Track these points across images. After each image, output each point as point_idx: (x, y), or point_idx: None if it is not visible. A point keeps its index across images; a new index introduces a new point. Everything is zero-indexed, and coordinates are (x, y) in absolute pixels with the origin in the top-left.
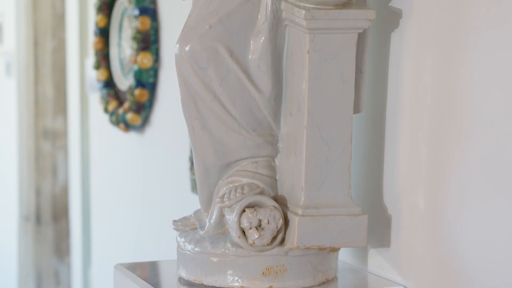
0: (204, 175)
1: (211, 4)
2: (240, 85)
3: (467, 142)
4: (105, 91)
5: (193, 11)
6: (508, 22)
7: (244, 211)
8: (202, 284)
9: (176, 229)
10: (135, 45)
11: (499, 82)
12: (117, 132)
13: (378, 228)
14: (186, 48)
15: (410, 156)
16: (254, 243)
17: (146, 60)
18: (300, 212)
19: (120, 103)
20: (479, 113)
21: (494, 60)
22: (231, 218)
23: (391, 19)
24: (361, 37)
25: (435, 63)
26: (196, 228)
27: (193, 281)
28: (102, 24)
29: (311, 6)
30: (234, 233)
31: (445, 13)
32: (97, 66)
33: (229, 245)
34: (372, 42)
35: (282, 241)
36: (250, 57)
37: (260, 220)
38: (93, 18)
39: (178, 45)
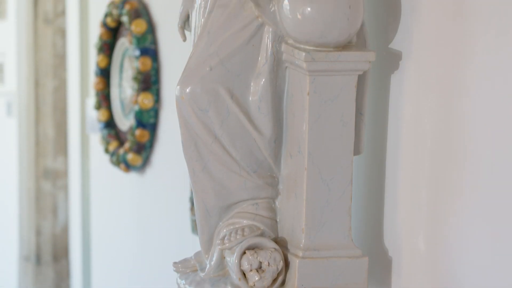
0: (205, 216)
1: (212, 45)
2: (241, 126)
3: (467, 185)
4: (105, 131)
5: (194, 52)
6: (507, 66)
7: (244, 253)
8: None
9: (176, 271)
10: (136, 86)
11: (499, 125)
12: (117, 173)
13: (379, 270)
14: (187, 90)
15: (411, 198)
16: (254, 285)
17: (146, 100)
18: (300, 254)
19: (121, 143)
20: (479, 156)
21: (494, 104)
22: (231, 260)
23: (391, 60)
24: (361, 79)
25: (435, 106)
26: (196, 270)
27: None
28: (103, 64)
29: (311, 48)
30: (235, 275)
31: (445, 55)
32: (98, 107)
33: (229, 287)
34: (372, 83)
35: (283, 283)
36: (250, 98)
37: (260, 262)
38: (94, 58)
39: (178, 87)
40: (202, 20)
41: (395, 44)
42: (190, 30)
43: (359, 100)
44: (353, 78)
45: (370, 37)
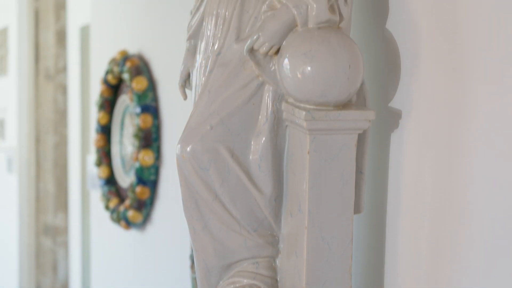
0: (205, 275)
1: (212, 104)
2: (241, 185)
3: (468, 243)
4: (106, 188)
5: (195, 111)
6: (506, 125)
7: None
8: None
9: None
10: (136, 143)
11: (499, 183)
12: (118, 230)
13: None
14: (188, 149)
15: (411, 256)
16: None
17: (147, 157)
18: None
19: (121, 200)
20: (479, 214)
21: (494, 162)
22: None
23: (391, 119)
24: (361, 138)
25: (435, 164)
26: None
27: None
28: (103, 121)
29: (311, 107)
30: None
31: (445, 114)
32: (99, 163)
33: None
34: (372, 142)
35: None
36: (251, 157)
37: None
38: (94, 115)
39: (179, 145)
40: (203, 79)
41: (395, 103)
42: (191, 89)
43: (359, 158)
44: (353, 136)
45: (370, 96)
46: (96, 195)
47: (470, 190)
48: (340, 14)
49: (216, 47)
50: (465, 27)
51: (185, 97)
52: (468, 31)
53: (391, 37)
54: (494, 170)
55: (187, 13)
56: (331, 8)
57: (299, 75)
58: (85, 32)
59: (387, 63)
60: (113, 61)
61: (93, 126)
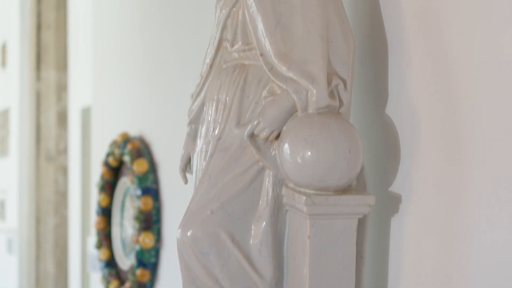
0: None
1: (213, 189)
2: (242, 270)
3: None
4: (106, 270)
5: (195, 196)
6: (504, 212)
7: None
8: None
9: None
10: (137, 225)
11: (498, 269)
12: None
13: None
14: (188, 234)
15: None
16: None
17: (148, 240)
18: None
19: (122, 282)
20: None
21: (494, 249)
22: None
23: (390, 204)
24: (362, 222)
25: (435, 249)
26: None
27: None
28: (104, 203)
29: (311, 191)
30: None
31: (445, 199)
32: (99, 245)
33: None
34: (372, 226)
35: None
36: (251, 242)
37: None
38: (95, 197)
39: (180, 230)
40: (204, 163)
41: (395, 187)
42: (191, 173)
43: (359, 243)
44: (353, 221)
45: (370, 180)
46: (97, 277)
47: (470, 275)
48: (340, 100)
49: (216, 132)
50: (463, 112)
51: (186, 182)
52: (467, 117)
53: (391, 122)
54: (495, 255)
55: (187, 97)
56: (331, 94)
57: (299, 160)
58: (86, 113)
59: (386, 147)
60: (114, 143)
61: (93, 207)
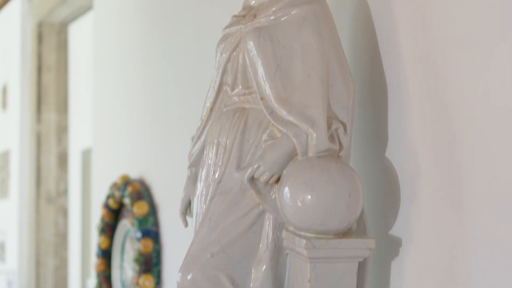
0: None
1: (213, 232)
2: None
3: None
4: None
5: (195, 239)
6: (504, 257)
7: None
8: None
9: None
10: (137, 267)
11: None
12: None
13: None
14: (188, 277)
15: None
16: None
17: (148, 282)
18: None
19: None
20: None
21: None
22: None
23: (391, 247)
24: (362, 265)
25: None
26: None
27: None
28: (104, 245)
29: (312, 235)
30: None
31: (445, 242)
32: None
33: None
34: (372, 270)
35: None
36: (251, 285)
37: None
38: (95, 238)
39: (180, 273)
40: (204, 207)
41: (395, 231)
42: (191, 216)
43: (360, 286)
44: (354, 265)
45: (370, 224)
46: None
47: None
48: (340, 143)
49: (217, 175)
50: (463, 156)
51: (186, 225)
52: (467, 160)
53: (390, 165)
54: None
55: (187, 139)
56: (331, 137)
57: (299, 204)
58: (86, 155)
59: (386, 191)
60: (114, 185)
61: (93, 249)
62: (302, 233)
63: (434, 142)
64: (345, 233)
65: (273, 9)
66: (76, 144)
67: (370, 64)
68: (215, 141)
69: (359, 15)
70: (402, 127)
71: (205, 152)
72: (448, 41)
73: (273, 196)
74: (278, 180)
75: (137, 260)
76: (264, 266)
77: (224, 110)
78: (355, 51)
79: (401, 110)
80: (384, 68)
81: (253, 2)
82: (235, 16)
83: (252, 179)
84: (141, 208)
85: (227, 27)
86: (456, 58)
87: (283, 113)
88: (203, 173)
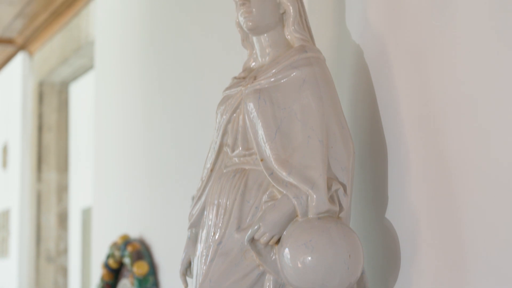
0: None
1: None
2: None
3: None
4: None
5: None
6: None
7: None
8: None
9: None
10: None
11: None
12: None
13: None
14: None
15: None
16: None
17: None
18: None
19: None
20: None
21: None
22: None
23: None
24: None
25: None
26: None
27: None
28: None
29: None
30: None
31: None
32: None
33: None
34: None
35: None
36: None
37: None
38: None
39: None
40: (204, 267)
41: None
42: (192, 277)
43: None
44: None
45: (371, 285)
46: None
47: None
48: (340, 205)
49: (217, 236)
50: (463, 218)
51: (186, 286)
52: (467, 223)
53: (390, 226)
54: None
55: (188, 199)
56: (331, 199)
57: (299, 265)
58: (86, 214)
59: (386, 252)
60: (114, 245)
61: None
62: None
63: (434, 203)
64: None
65: (273, 71)
66: (76, 203)
67: (369, 125)
68: (216, 202)
69: (359, 76)
70: (402, 188)
71: (205, 213)
72: (448, 102)
73: (274, 257)
74: (278, 241)
75: None
76: None
77: (224, 171)
78: (355, 112)
79: (401, 170)
80: (384, 129)
81: (253, 64)
82: (235, 77)
83: (252, 240)
84: (141, 268)
85: (227, 88)
86: (455, 119)
87: (283, 174)
88: (203, 234)
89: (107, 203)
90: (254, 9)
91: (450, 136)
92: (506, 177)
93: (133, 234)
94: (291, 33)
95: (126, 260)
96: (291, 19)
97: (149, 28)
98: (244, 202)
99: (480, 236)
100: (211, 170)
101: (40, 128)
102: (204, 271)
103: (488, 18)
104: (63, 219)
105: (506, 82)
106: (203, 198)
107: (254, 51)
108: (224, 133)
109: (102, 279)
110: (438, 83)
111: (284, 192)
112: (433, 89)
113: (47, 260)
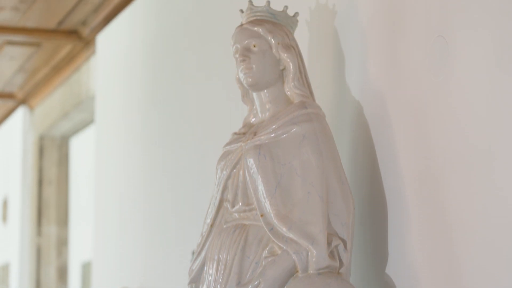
0: None
1: None
2: None
3: None
4: None
5: None
6: None
7: None
8: None
9: None
10: None
11: None
12: None
13: None
14: None
15: None
16: None
17: None
18: None
19: None
20: None
21: None
22: None
23: None
24: None
25: None
26: None
27: None
28: None
29: None
30: None
31: None
32: None
33: None
34: None
35: None
36: None
37: None
38: None
39: None
40: None
41: None
42: None
43: None
44: None
45: None
46: None
47: None
48: (340, 260)
49: None
50: (464, 272)
51: None
52: (468, 278)
53: (391, 282)
54: None
55: (187, 254)
56: (331, 254)
57: None
58: (86, 268)
59: None
60: None
61: None
62: None
63: (434, 259)
64: None
65: (273, 126)
66: (76, 257)
67: (369, 181)
68: (216, 258)
69: (359, 132)
70: (402, 244)
71: (205, 268)
72: (448, 157)
73: None
74: None
75: None
76: None
77: (224, 226)
78: (355, 168)
79: (401, 226)
80: (384, 184)
81: (253, 119)
82: (235, 133)
83: None
84: None
85: (227, 144)
86: (455, 174)
87: (283, 229)
88: None
89: (107, 257)
90: (254, 66)
91: (450, 191)
92: (504, 236)
93: (133, 287)
94: (291, 89)
95: None
96: (291, 75)
97: (148, 85)
98: (244, 257)
99: None
100: (211, 226)
101: (40, 182)
102: None
103: (487, 73)
104: (63, 273)
105: (506, 136)
106: (203, 254)
107: (254, 107)
108: (224, 188)
109: None
110: (438, 138)
111: (284, 247)
112: (433, 145)
113: None
